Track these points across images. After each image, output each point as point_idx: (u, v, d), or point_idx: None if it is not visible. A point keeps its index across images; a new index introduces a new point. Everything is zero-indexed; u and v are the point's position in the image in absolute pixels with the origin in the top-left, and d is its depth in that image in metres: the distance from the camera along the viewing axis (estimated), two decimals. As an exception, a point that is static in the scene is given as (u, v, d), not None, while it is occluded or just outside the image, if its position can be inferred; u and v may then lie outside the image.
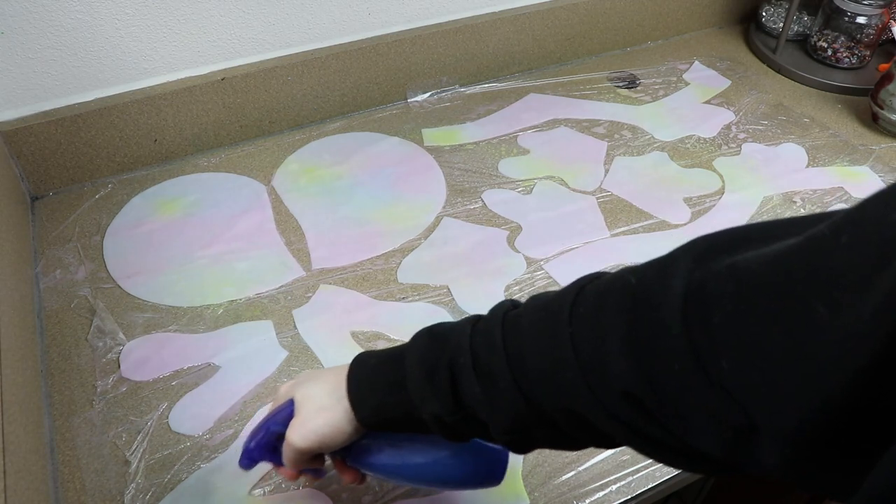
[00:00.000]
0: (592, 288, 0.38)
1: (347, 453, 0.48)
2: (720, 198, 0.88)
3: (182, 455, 0.60)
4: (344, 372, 0.46)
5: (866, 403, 0.26)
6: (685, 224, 0.84)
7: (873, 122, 1.01)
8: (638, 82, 1.09)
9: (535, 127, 0.99)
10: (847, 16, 1.07)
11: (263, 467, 0.59)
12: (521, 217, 0.84)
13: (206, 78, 0.87)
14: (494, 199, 0.86)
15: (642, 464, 0.61)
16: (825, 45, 1.10)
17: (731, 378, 0.30)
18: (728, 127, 1.01)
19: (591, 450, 0.61)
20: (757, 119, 1.02)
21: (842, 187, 0.90)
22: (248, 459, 0.49)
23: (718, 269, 0.32)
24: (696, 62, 1.14)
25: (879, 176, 0.92)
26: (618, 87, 1.08)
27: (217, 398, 0.64)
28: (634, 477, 0.60)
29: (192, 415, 0.63)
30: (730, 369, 0.30)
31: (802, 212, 0.87)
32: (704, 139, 0.98)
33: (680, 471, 0.60)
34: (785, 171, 0.93)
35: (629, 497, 0.59)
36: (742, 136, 0.99)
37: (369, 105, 1.00)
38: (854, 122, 1.02)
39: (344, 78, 0.95)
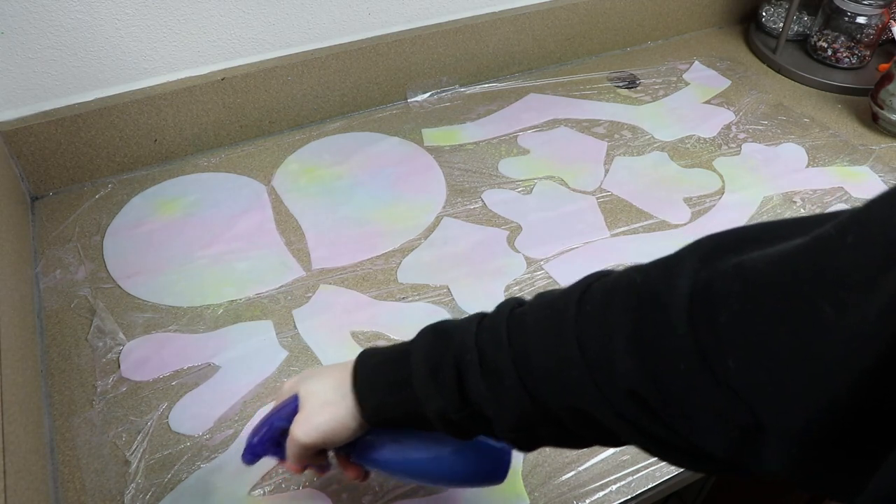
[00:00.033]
0: (599, 286, 0.38)
1: (351, 449, 0.48)
2: (720, 198, 0.88)
3: (182, 455, 0.60)
4: (349, 368, 0.46)
5: (872, 404, 0.26)
6: (685, 224, 0.84)
7: (873, 122, 1.01)
8: (638, 82, 1.09)
9: (535, 127, 0.99)
10: (847, 16, 1.07)
11: (265, 466, 0.59)
12: (521, 217, 0.84)
13: (206, 78, 0.87)
14: (494, 199, 0.86)
15: (642, 464, 0.61)
16: (825, 45, 1.10)
17: (737, 377, 0.30)
18: (728, 127, 1.01)
19: (591, 450, 0.61)
20: (757, 119, 1.02)
21: (842, 187, 0.90)
22: (252, 455, 0.49)
23: (725, 268, 0.32)
24: (696, 62, 1.14)
25: (879, 176, 0.92)
26: (618, 87, 1.08)
27: (217, 398, 0.64)
28: (634, 477, 0.60)
29: (192, 415, 0.63)
30: (736, 369, 0.30)
31: (802, 212, 0.87)
32: (704, 139, 0.98)
33: (680, 470, 0.60)
34: (785, 171, 0.93)
35: (629, 497, 0.59)
36: (742, 136, 0.99)
37: (369, 105, 1.00)
38: (854, 122, 1.02)
39: (344, 78, 0.95)
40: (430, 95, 1.03)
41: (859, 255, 0.26)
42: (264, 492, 0.58)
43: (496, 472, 0.48)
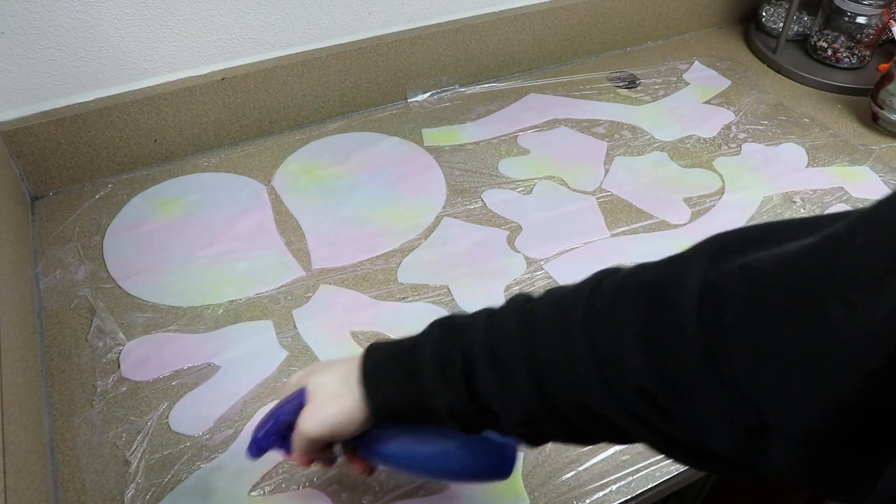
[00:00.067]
0: (608, 283, 0.38)
1: (358, 443, 0.48)
2: (720, 198, 0.88)
3: (182, 455, 0.60)
4: (356, 361, 0.46)
5: (881, 405, 0.26)
6: (685, 224, 0.84)
7: (873, 122, 1.01)
8: (638, 82, 1.09)
9: (535, 127, 0.99)
10: (847, 16, 1.07)
11: (265, 466, 0.59)
12: (521, 217, 0.84)
13: (206, 78, 0.87)
14: (494, 199, 0.86)
15: (642, 464, 0.61)
16: (825, 45, 1.10)
17: (743, 378, 0.30)
18: (728, 127, 1.01)
19: (591, 450, 0.61)
20: (757, 119, 1.02)
21: (842, 187, 0.90)
22: (257, 449, 0.49)
23: (731, 268, 0.32)
24: (696, 62, 1.14)
25: (879, 176, 0.92)
26: (618, 87, 1.08)
27: (217, 398, 0.64)
28: (634, 477, 0.60)
29: (192, 415, 0.63)
30: (742, 369, 0.30)
31: (802, 212, 0.87)
32: (704, 139, 0.98)
33: (681, 470, 0.60)
34: (785, 171, 0.93)
35: (629, 497, 0.59)
36: (742, 136, 0.99)
37: (369, 105, 1.00)
38: (854, 122, 1.02)
39: (344, 78, 0.95)
40: (430, 95, 1.03)
41: (868, 255, 0.26)
42: (264, 492, 0.58)
43: (502, 467, 0.48)
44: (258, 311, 0.72)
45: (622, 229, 0.83)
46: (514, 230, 0.82)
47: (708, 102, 1.05)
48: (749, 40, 1.19)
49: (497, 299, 0.74)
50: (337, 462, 0.53)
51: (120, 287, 0.74)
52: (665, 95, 1.06)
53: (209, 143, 0.92)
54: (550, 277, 0.77)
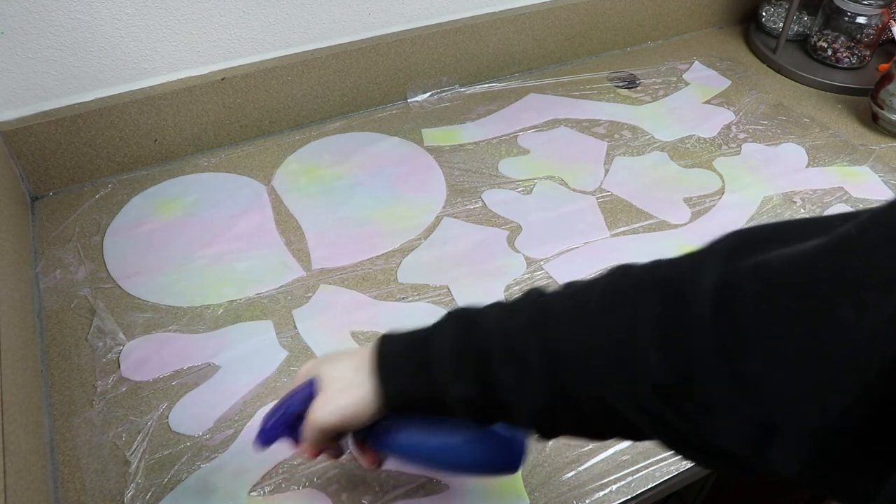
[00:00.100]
0: (626, 278, 0.38)
1: (368, 434, 0.48)
2: (720, 198, 0.88)
3: (182, 455, 0.60)
4: (369, 352, 0.46)
5: (890, 406, 0.26)
6: (685, 224, 0.84)
7: (873, 122, 1.01)
8: (638, 82, 1.09)
9: (535, 127, 0.99)
10: (847, 16, 1.07)
11: (265, 466, 0.59)
12: (521, 217, 0.84)
13: (206, 78, 0.87)
14: (494, 199, 0.86)
15: (642, 464, 0.61)
16: (825, 45, 1.10)
17: (755, 377, 0.30)
18: (728, 127, 1.01)
19: (591, 450, 0.61)
20: (757, 119, 1.02)
21: (842, 187, 0.90)
22: (265, 439, 0.49)
23: (744, 267, 0.32)
24: (696, 62, 1.14)
25: (879, 176, 0.92)
26: (618, 87, 1.08)
27: (217, 398, 0.64)
28: (634, 477, 0.60)
29: (192, 415, 0.63)
30: (754, 369, 0.30)
31: (803, 212, 0.87)
32: (704, 139, 0.98)
33: (681, 470, 0.60)
34: (785, 171, 0.93)
35: (629, 497, 0.59)
36: (742, 136, 0.99)
37: (369, 105, 1.00)
38: (854, 122, 1.02)
39: (344, 78, 0.95)
40: (430, 95, 1.03)
41: (879, 255, 0.27)
42: (264, 492, 0.58)
43: (511, 461, 0.48)
44: (258, 311, 0.72)
45: (622, 229, 0.83)
46: (514, 230, 0.82)
47: (708, 102, 1.05)
48: (749, 40, 1.19)
49: (497, 299, 0.74)
50: (344, 455, 0.52)
51: (120, 287, 0.74)
52: (665, 95, 1.06)
53: (209, 143, 0.92)
54: (550, 277, 0.77)
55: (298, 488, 0.58)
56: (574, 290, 0.40)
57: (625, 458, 0.61)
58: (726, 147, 0.97)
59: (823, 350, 0.27)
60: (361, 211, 0.84)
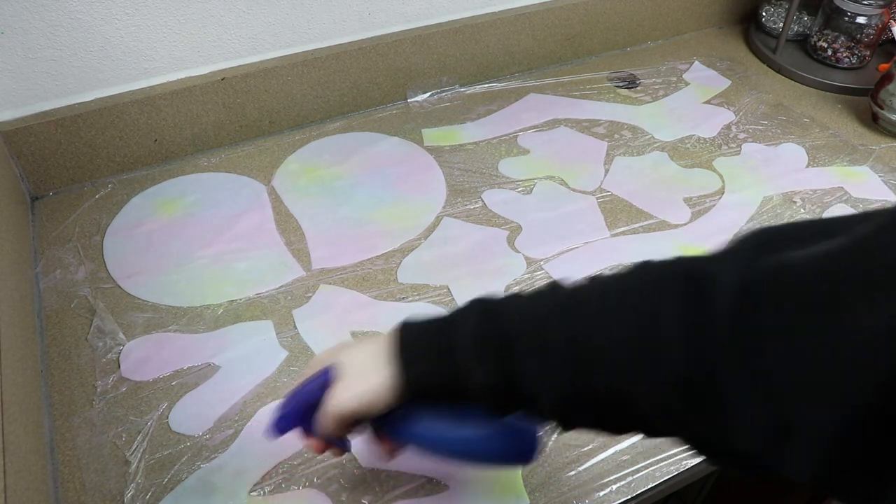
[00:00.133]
0: (651, 274, 0.38)
1: (384, 422, 0.48)
2: (720, 198, 0.88)
3: (182, 455, 0.60)
4: (387, 339, 0.46)
5: None
6: (685, 224, 0.84)
7: (873, 122, 1.01)
8: (638, 82, 1.09)
9: (535, 127, 0.99)
10: (847, 16, 1.07)
11: (265, 465, 0.59)
12: (521, 217, 0.84)
13: (206, 78, 0.87)
14: (494, 199, 0.86)
15: (642, 464, 0.61)
16: (825, 45, 1.11)
17: (773, 377, 0.30)
18: (728, 127, 1.01)
19: (591, 450, 0.61)
20: (757, 119, 1.02)
21: (842, 187, 0.90)
22: (279, 428, 0.49)
23: (766, 267, 0.32)
24: (696, 62, 1.14)
25: (879, 176, 0.92)
26: (618, 87, 1.08)
27: (217, 398, 0.64)
28: (634, 477, 0.60)
29: (192, 415, 0.63)
30: (772, 368, 0.30)
31: (803, 212, 0.87)
32: (704, 139, 0.98)
33: (681, 470, 0.60)
34: (785, 171, 0.93)
35: (629, 497, 0.59)
36: (742, 136, 0.99)
37: (369, 105, 1.00)
38: (854, 122, 1.02)
39: (344, 78, 0.95)
40: (430, 95, 1.03)
41: (893, 254, 0.27)
42: (264, 492, 0.58)
43: (526, 452, 0.48)
44: (258, 311, 0.72)
45: (622, 229, 0.83)
46: (514, 230, 0.82)
47: (708, 102, 1.05)
48: (749, 40, 1.19)
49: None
50: (347, 452, 0.52)
51: (120, 287, 0.74)
52: (665, 95, 1.06)
53: (209, 143, 0.92)
54: (550, 277, 0.77)
55: (298, 488, 0.58)
56: (598, 283, 0.40)
57: (625, 458, 0.61)
58: (726, 147, 0.97)
59: (839, 351, 0.28)
60: (361, 211, 0.84)
